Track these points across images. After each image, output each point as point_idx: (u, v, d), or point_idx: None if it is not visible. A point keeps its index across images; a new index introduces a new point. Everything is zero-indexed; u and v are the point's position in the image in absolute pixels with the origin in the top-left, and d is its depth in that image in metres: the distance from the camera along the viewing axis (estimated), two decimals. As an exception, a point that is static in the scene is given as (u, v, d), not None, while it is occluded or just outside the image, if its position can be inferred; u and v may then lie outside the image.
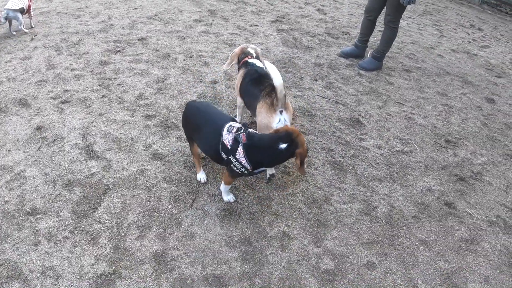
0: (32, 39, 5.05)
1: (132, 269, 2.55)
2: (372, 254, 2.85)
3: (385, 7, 5.10)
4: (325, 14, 7.25)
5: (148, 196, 3.03)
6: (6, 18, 4.91)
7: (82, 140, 3.48)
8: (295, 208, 3.11)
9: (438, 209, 3.32)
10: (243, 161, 2.62)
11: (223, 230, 2.85)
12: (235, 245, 2.76)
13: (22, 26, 5.11)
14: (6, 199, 2.88)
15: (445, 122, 4.52)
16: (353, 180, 3.46)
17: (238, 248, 2.74)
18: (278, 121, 2.87)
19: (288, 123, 2.90)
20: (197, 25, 5.93)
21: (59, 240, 2.65)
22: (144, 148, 3.47)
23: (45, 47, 4.87)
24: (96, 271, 2.51)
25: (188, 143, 3.14)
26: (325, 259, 2.77)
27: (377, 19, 5.34)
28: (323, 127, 4.05)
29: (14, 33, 5.11)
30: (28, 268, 2.48)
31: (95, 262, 2.56)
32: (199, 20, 6.10)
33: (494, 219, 3.32)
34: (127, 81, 4.35)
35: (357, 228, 3.02)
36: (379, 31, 6.12)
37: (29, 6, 5.09)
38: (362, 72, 5.30)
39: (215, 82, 4.51)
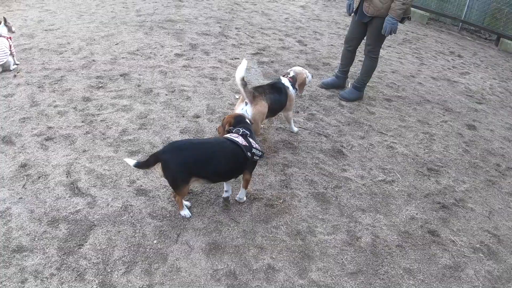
0: (15, 76, 5.07)
1: (116, 307, 2.52)
2: (357, 284, 2.85)
3: (365, 37, 5.22)
4: (306, 45, 7.39)
5: (133, 232, 3.02)
6: None
7: (67, 177, 3.48)
8: (279, 240, 3.12)
9: (422, 237, 3.36)
10: (257, 145, 3.16)
11: (208, 264, 2.85)
12: (220, 279, 2.75)
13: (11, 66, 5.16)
14: (-11, 238, 2.86)
15: (426, 150, 4.61)
16: (337, 211, 3.50)
17: (224, 281, 2.74)
18: (241, 109, 3.71)
19: (249, 114, 3.65)
20: (178, 59, 6.01)
21: (46, 277, 2.62)
22: (128, 184, 3.48)
23: (28, 84, 4.89)
24: (79, 311, 2.48)
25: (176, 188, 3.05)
26: (310, 291, 2.77)
27: (357, 49, 5.47)
28: (305, 159, 4.10)
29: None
30: (10, 310, 2.44)
31: (79, 301, 2.53)
32: (180, 54, 6.19)
33: (478, 246, 3.36)
34: (110, 117, 4.38)
35: (342, 259, 3.04)
36: (360, 61, 6.27)
37: (10, 46, 5.10)
38: (343, 102, 5.39)
39: (198, 117, 4.56)
